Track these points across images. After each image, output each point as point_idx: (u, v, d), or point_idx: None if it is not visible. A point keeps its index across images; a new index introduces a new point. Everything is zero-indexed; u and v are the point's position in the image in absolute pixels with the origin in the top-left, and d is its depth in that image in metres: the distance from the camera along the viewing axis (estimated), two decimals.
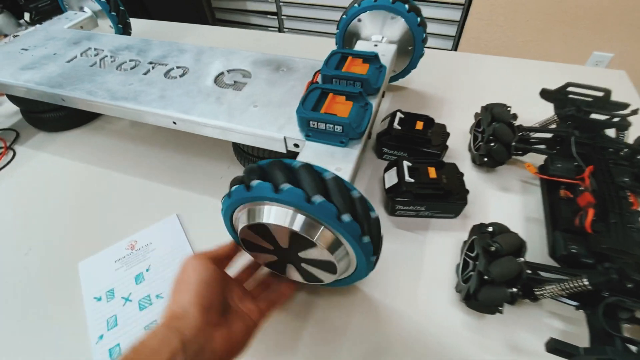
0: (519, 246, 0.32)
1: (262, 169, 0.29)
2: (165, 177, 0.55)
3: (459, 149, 0.55)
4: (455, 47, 1.71)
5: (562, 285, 0.31)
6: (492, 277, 0.31)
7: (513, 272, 0.31)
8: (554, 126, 0.48)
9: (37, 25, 0.71)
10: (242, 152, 0.51)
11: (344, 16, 0.58)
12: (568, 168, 0.41)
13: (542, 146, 0.47)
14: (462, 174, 0.45)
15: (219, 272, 0.30)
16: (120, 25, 0.77)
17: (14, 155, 0.61)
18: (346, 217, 0.27)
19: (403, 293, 0.40)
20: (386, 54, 0.54)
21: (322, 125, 0.40)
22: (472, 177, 0.51)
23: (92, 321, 0.39)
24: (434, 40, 1.72)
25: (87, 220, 0.50)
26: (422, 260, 0.42)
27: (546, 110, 0.50)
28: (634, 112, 0.42)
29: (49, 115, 0.63)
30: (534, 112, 0.52)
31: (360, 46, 0.56)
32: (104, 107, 0.50)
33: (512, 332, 0.36)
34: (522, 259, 0.31)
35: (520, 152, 0.49)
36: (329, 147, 0.40)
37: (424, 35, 0.55)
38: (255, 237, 0.31)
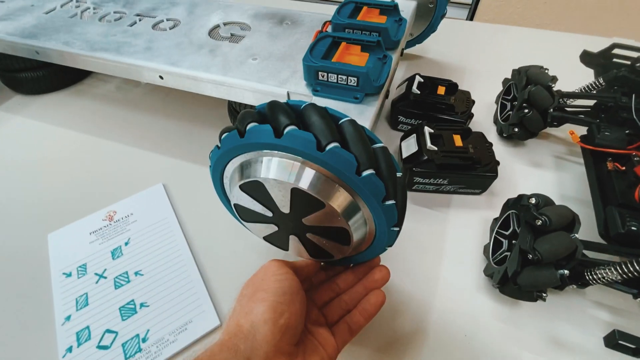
0: (572, 220, 0.27)
1: (260, 113, 0.23)
2: (152, 144, 0.49)
3: (482, 122, 0.49)
4: (471, 18, 1.62)
5: (621, 267, 0.25)
6: (540, 255, 0.25)
7: (566, 250, 0.25)
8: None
9: None
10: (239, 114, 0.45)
11: None
12: (618, 137, 0.35)
13: (581, 116, 0.41)
14: (491, 144, 0.39)
15: (301, 288, 0.24)
16: None
17: None
18: (368, 172, 0.21)
19: (424, 277, 0.34)
20: (405, 9, 0.47)
21: (333, 77, 0.34)
22: (499, 151, 0.44)
23: (59, 300, 0.33)
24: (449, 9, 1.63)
25: (62, 189, 0.44)
26: (444, 241, 0.37)
27: (579, 81, 0.44)
28: None
29: (26, 75, 0.56)
30: (566, 84, 0.45)
31: None
32: (81, 59, 0.44)
33: (551, 324, 0.30)
34: (575, 235, 0.26)
35: (555, 123, 0.43)
36: (341, 103, 0.34)
37: None
38: (250, 201, 0.25)
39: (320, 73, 0.34)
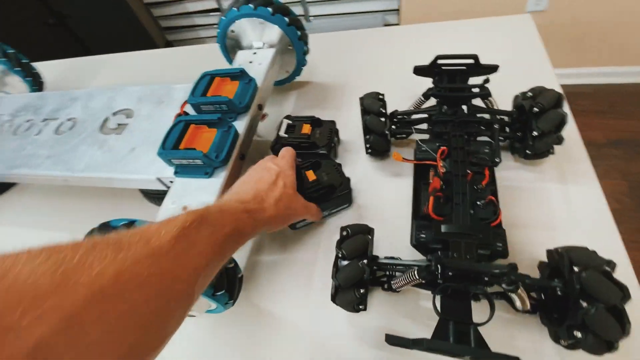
0: (364, 248, 0.34)
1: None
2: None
3: (358, 140, 0.56)
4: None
5: (405, 277, 0.32)
6: (339, 283, 0.33)
7: (356, 276, 0.32)
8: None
9: None
10: (143, 191, 0.53)
11: (219, 30, 0.57)
12: (433, 149, 0.41)
13: (425, 126, 0.48)
14: (339, 165, 0.46)
15: None
16: (29, 78, 0.77)
17: None
18: None
19: (297, 300, 0.42)
20: (263, 61, 0.53)
21: (182, 161, 0.41)
22: (367, 166, 0.52)
23: None
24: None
25: None
26: (315, 264, 0.44)
27: None
28: (486, 81, 0.42)
29: None
30: None
31: (239, 57, 0.56)
32: (5, 177, 0.52)
33: (392, 320, 0.38)
34: (364, 261, 0.33)
35: (404, 136, 0.49)
36: (197, 180, 0.41)
37: (299, 33, 0.54)
38: None
39: (173, 160, 0.41)
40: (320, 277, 0.43)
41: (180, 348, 0.41)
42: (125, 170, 0.45)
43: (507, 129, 0.45)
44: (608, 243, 0.38)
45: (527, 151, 0.42)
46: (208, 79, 0.48)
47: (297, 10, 1.94)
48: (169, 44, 2.14)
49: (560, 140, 0.41)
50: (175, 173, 0.42)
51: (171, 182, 0.43)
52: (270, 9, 0.52)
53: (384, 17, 1.78)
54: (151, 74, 0.83)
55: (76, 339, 0.15)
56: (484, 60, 0.43)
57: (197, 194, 0.40)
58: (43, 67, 0.81)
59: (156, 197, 0.52)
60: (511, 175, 0.45)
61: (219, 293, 0.33)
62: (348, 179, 0.45)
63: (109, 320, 0.17)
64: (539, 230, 0.40)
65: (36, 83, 0.79)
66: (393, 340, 0.29)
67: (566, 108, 0.48)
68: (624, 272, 0.35)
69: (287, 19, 0.53)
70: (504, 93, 0.46)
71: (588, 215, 0.40)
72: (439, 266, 0.29)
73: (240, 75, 0.48)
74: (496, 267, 0.27)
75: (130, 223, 0.31)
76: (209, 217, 0.26)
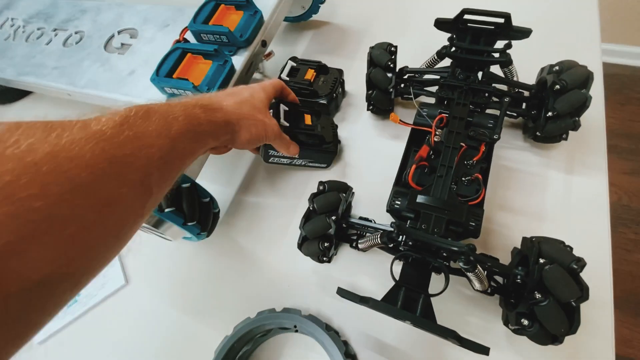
0: (336, 205, 0.34)
1: None
2: None
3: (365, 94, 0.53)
4: None
5: (371, 239, 0.32)
6: (305, 234, 0.33)
7: (321, 230, 0.33)
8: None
9: None
10: None
11: None
12: (432, 115, 0.38)
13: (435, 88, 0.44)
14: (336, 126, 0.44)
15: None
16: None
17: None
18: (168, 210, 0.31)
19: (272, 243, 0.44)
20: None
21: (175, 91, 0.40)
22: (366, 124, 0.49)
23: None
24: None
25: None
26: (295, 212, 0.45)
27: None
28: (507, 46, 0.37)
29: None
30: None
31: None
32: (13, 82, 0.54)
33: (353, 276, 0.39)
34: (333, 217, 0.33)
35: (410, 97, 0.46)
36: None
37: None
38: None
39: (165, 88, 0.40)
40: (297, 224, 0.44)
41: (163, 267, 0.45)
42: (122, 91, 0.45)
43: (524, 105, 0.41)
44: (594, 242, 0.36)
45: (537, 133, 0.39)
46: (213, 5, 0.45)
47: None
48: None
49: (576, 126, 0.37)
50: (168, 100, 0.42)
51: None
52: None
53: None
54: None
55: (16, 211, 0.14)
56: (519, 21, 0.37)
57: None
58: None
59: None
60: (515, 156, 0.43)
61: (191, 223, 0.34)
62: (338, 142, 0.44)
63: (52, 194, 0.15)
64: (527, 218, 0.39)
65: None
66: (343, 293, 0.30)
67: (598, 90, 0.43)
68: (601, 275, 0.34)
69: None
70: (533, 63, 0.41)
71: (583, 211, 0.38)
72: (399, 233, 0.28)
73: (245, 5, 0.45)
74: (455, 245, 0.27)
75: None
76: (155, 108, 0.23)
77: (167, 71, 0.40)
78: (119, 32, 0.52)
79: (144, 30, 0.51)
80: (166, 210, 0.31)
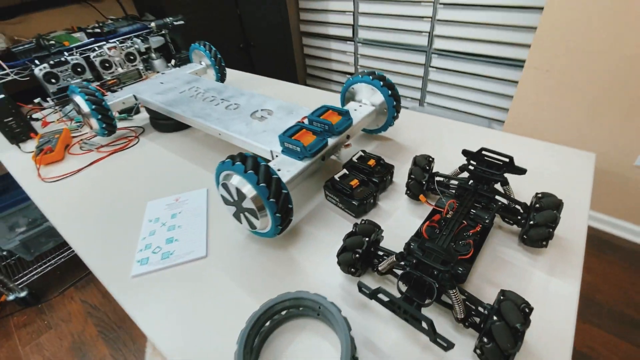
0: (370, 232, 0.51)
1: (242, 156, 0.56)
2: (208, 166, 0.86)
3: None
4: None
5: (388, 260, 0.48)
6: (346, 244, 0.50)
7: (357, 245, 0.49)
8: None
9: (173, 69, 1.16)
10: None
11: (344, 85, 0.84)
12: (445, 203, 0.57)
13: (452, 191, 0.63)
14: (376, 193, 0.64)
15: None
16: (219, 74, 1.18)
17: (138, 141, 1.01)
18: (262, 185, 0.51)
19: (319, 258, 0.59)
20: (363, 112, 0.78)
21: (290, 145, 0.65)
22: (402, 204, 0.69)
23: (143, 230, 0.69)
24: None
25: (161, 181, 0.83)
26: (334, 239, 0.61)
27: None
28: (504, 171, 0.56)
29: (163, 122, 1.03)
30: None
31: (350, 104, 0.82)
32: (187, 120, 0.85)
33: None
34: (367, 239, 0.50)
35: (433, 188, 0.65)
36: (291, 159, 0.65)
37: (394, 103, 0.78)
38: (223, 191, 0.57)
39: (285, 143, 0.66)
40: (335, 252, 0.60)
41: (235, 253, 0.62)
42: (255, 140, 0.72)
43: (520, 218, 0.58)
44: (559, 335, 0.47)
45: (524, 236, 0.55)
46: (324, 108, 0.74)
47: (416, 94, 2.26)
48: (304, 83, 2.71)
49: (551, 236, 0.52)
50: (282, 151, 0.67)
51: (276, 155, 0.68)
52: (381, 82, 0.77)
53: (489, 123, 1.95)
54: (291, 97, 1.17)
55: None
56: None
57: (287, 166, 0.63)
58: (228, 71, 1.23)
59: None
60: (510, 252, 0.57)
61: (278, 215, 0.53)
62: (366, 200, 0.63)
63: None
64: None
65: (222, 78, 1.20)
66: (362, 285, 0.45)
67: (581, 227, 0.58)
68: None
69: (390, 92, 0.77)
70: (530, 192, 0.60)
71: (554, 312, 0.49)
72: (408, 253, 0.44)
73: (344, 113, 0.73)
74: (440, 266, 0.42)
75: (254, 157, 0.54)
76: None
77: (289, 134, 0.66)
78: (261, 110, 0.83)
79: (277, 112, 0.81)
80: (271, 199, 0.51)
